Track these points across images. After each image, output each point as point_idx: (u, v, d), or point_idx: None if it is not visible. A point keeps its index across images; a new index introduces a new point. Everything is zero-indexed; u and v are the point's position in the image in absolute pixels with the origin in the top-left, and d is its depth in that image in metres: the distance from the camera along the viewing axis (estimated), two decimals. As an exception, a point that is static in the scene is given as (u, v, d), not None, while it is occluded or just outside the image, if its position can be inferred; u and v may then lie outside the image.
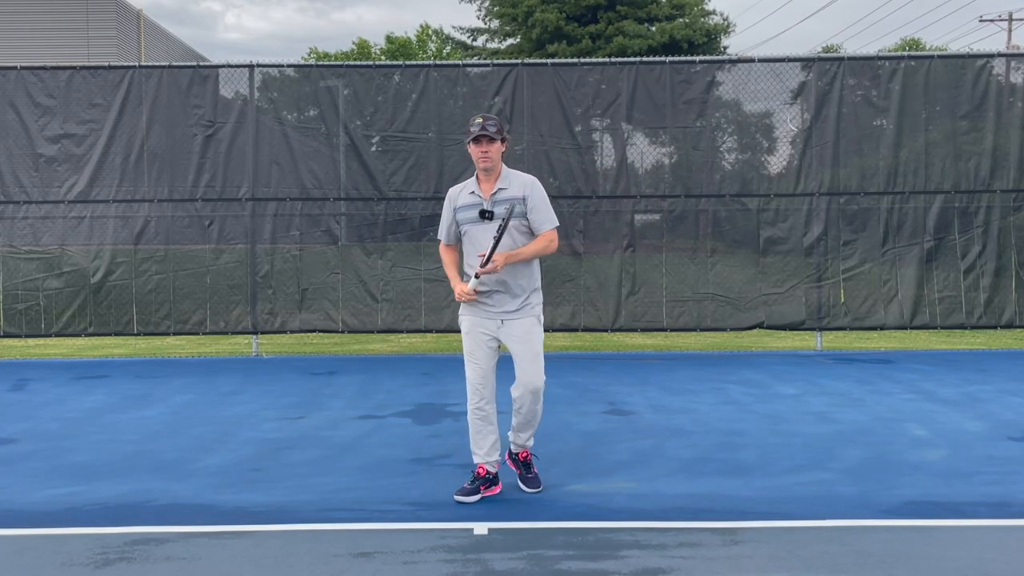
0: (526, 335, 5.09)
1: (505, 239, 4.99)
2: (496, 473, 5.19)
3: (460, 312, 5.26)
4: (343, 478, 5.55)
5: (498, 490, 5.19)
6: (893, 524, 4.66)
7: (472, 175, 5.24)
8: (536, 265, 5.22)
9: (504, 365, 5.25)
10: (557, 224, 5.17)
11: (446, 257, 5.32)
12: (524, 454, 5.27)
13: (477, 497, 5.08)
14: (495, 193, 5.06)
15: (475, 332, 5.14)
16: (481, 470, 5.15)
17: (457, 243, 5.30)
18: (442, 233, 5.31)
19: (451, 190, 5.27)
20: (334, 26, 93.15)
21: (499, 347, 5.19)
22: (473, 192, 5.12)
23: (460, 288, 5.09)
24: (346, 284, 10.34)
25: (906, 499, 5.06)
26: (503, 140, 5.09)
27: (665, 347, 10.91)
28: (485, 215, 5.04)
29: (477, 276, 5.00)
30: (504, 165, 5.16)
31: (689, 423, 6.89)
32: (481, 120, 5.03)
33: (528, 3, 30.38)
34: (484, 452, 5.16)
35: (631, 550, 4.32)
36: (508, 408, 5.27)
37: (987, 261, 10.29)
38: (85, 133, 10.21)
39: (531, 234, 5.11)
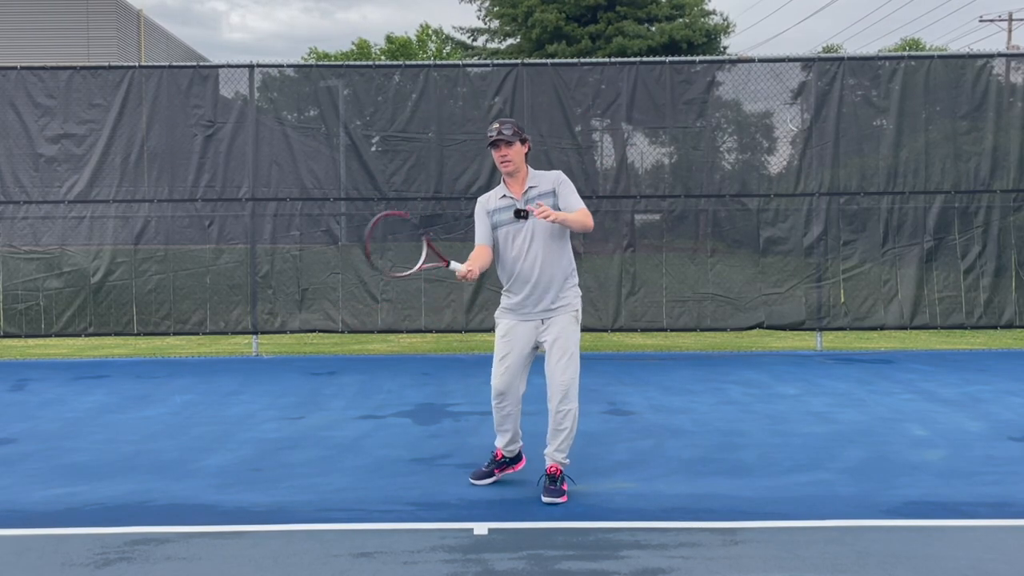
0: (561, 332, 5.14)
1: (536, 242, 5.10)
2: (510, 458, 5.42)
3: (498, 315, 5.31)
4: (343, 478, 5.55)
5: (522, 465, 5.45)
6: (893, 524, 4.66)
7: (481, 175, 5.30)
8: (570, 256, 5.25)
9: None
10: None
11: (476, 253, 5.25)
12: (553, 468, 5.14)
13: (491, 480, 5.33)
14: (527, 192, 5.17)
15: (512, 336, 5.19)
16: (498, 454, 5.38)
17: (492, 245, 5.30)
18: (478, 238, 5.26)
19: (481, 199, 5.34)
20: (338, 26, 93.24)
21: (535, 350, 5.23)
22: (505, 195, 5.20)
23: (464, 267, 5.06)
24: (346, 284, 10.34)
25: (906, 499, 5.06)
26: (523, 141, 5.17)
27: (665, 347, 10.91)
28: (520, 214, 5.11)
29: (522, 215, 5.05)
30: (530, 167, 5.25)
31: (689, 423, 6.89)
32: (497, 125, 5.13)
33: (528, 3, 30.38)
34: (505, 441, 5.35)
35: (631, 550, 4.32)
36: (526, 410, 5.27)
37: (987, 261, 10.29)
38: (85, 133, 10.21)
39: (562, 233, 5.18)
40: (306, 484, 5.42)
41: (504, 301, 5.27)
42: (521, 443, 5.43)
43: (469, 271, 5.06)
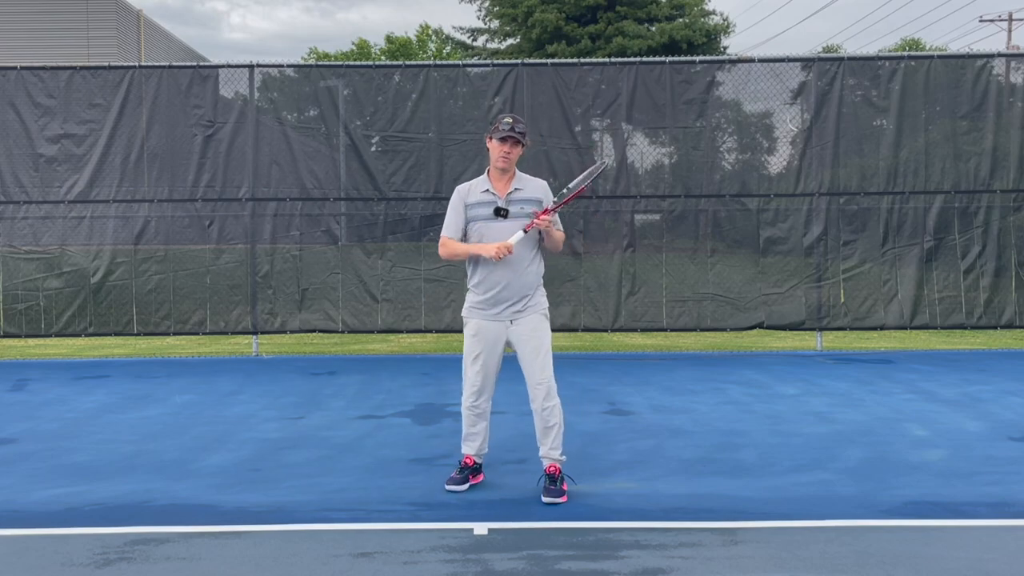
0: (534, 332, 5.17)
1: (514, 243, 5.11)
2: (481, 463, 5.42)
3: (466, 314, 5.30)
4: (343, 478, 5.55)
5: (481, 479, 5.40)
6: (893, 524, 4.66)
7: (480, 174, 5.30)
8: (541, 261, 5.31)
9: (509, 366, 5.29)
10: None
11: (452, 243, 5.25)
12: (552, 468, 5.16)
13: (467, 486, 5.28)
14: (511, 193, 5.17)
15: (483, 335, 5.20)
16: (468, 460, 5.36)
17: (461, 239, 5.32)
18: (449, 229, 5.25)
19: (460, 187, 5.32)
20: (339, 26, 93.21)
21: (505, 348, 5.27)
22: (487, 190, 5.19)
23: (497, 245, 5.01)
24: (346, 284, 10.34)
25: (906, 499, 5.06)
26: (523, 144, 5.18)
27: (665, 347, 10.91)
28: (500, 213, 5.11)
29: (526, 231, 5.07)
30: (516, 168, 5.27)
31: (689, 423, 6.89)
32: (511, 121, 5.11)
33: (528, 3, 30.37)
34: (476, 446, 5.35)
35: (631, 550, 4.32)
36: (503, 409, 5.28)
37: (987, 261, 10.29)
38: (85, 133, 10.20)
39: (540, 238, 5.26)
40: (306, 484, 5.42)
41: (471, 298, 5.27)
42: (487, 450, 5.42)
43: (506, 246, 5.04)
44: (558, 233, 5.22)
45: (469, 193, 5.22)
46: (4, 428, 6.91)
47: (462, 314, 5.34)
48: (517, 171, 5.25)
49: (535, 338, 5.16)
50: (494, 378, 5.28)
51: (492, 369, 5.24)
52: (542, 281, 5.30)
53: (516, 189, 5.17)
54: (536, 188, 5.22)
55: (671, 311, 10.38)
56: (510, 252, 5.02)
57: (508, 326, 5.18)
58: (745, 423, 6.88)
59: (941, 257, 10.31)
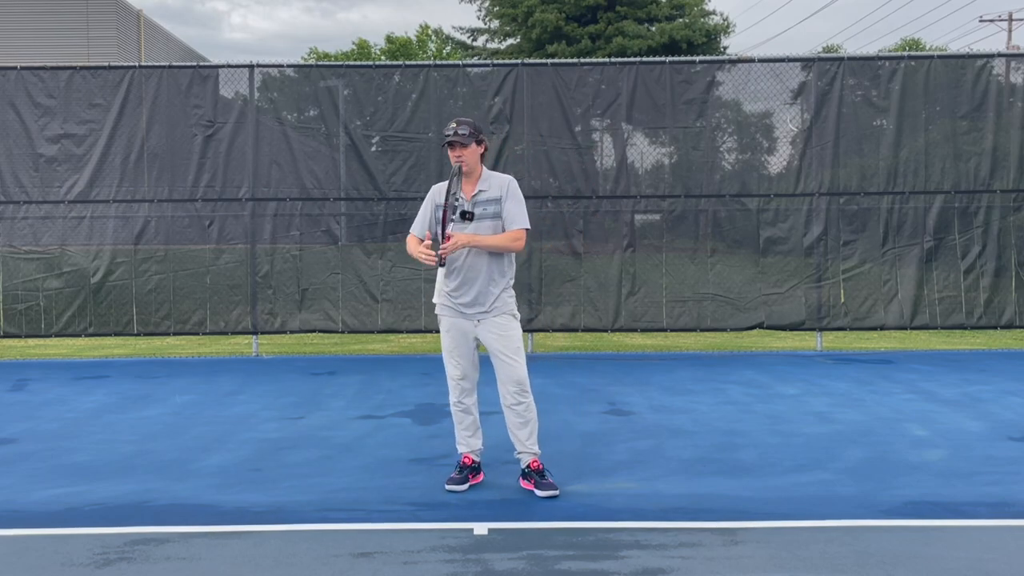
0: (503, 331, 5.22)
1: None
2: (480, 462, 5.43)
3: (438, 312, 5.38)
4: (343, 478, 5.55)
5: (481, 478, 5.41)
6: (893, 524, 4.66)
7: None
8: (508, 263, 5.29)
9: (486, 367, 5.32)
10: (528, 227, 5.22)
11: (408, 241, 5.37)
12: (534, 463, 5.24)
13: (467, 486, 5.28)
14: (476, 195, 5.20)
15: (454, 331, 5.29)
16: (467, 459, 5.38)
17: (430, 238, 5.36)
18: (415, 227, 5.37)
19: (434, 187, 5.38)
20: (339, 26, 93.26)
21: (478, 346, 5.32)
22: (454, 193, 5.19)
23: (420, 249, 5.08)
24: (346, 284, 10.34)
25: (906, 499, 5.06)
26: (479, 142, 5.18)
27: (665, 347, 10.91)
28: (466, 216, 5.15)
29: (442, 264, 5.05)
30: (484, 167, 5.28)
31: (689, 423, 6.89)
32: (454, 126, 5.15)
33: (528, 3, 30.38)
34: (469, 443, 5.38)
35: (631, 550, 4.32)
36: (489, 409, 5.28)
37: (987, 261, 10.28)
38: (85, 133, 10.20)
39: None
40: (306, 484, 5.42)
41: (438, 295, 5.34)
42: (481, 446, 5.44)
43: (425, 251, 5.08)
44: (486, 239, 5.11)
45: (440, 195, 5.27)
46: (4, 428, 6.91)
47: (436, 311, 5.41)
48: (485, 170, 5.26)
49: (504, 337, 5.19)
50: (474, 373, 5.33)
51: (469, 363, 5.30)
52: (509, 283, 5.29)
53: (481, 191, 5.20)
54: (498, 187, 5.22)
55: (671, 311, 10.38)
56: (429, 255, 5.02)
57: (476, 325, 5.23)
58: (745, 423, 6.89)
59: (941, 257, 10.31)
